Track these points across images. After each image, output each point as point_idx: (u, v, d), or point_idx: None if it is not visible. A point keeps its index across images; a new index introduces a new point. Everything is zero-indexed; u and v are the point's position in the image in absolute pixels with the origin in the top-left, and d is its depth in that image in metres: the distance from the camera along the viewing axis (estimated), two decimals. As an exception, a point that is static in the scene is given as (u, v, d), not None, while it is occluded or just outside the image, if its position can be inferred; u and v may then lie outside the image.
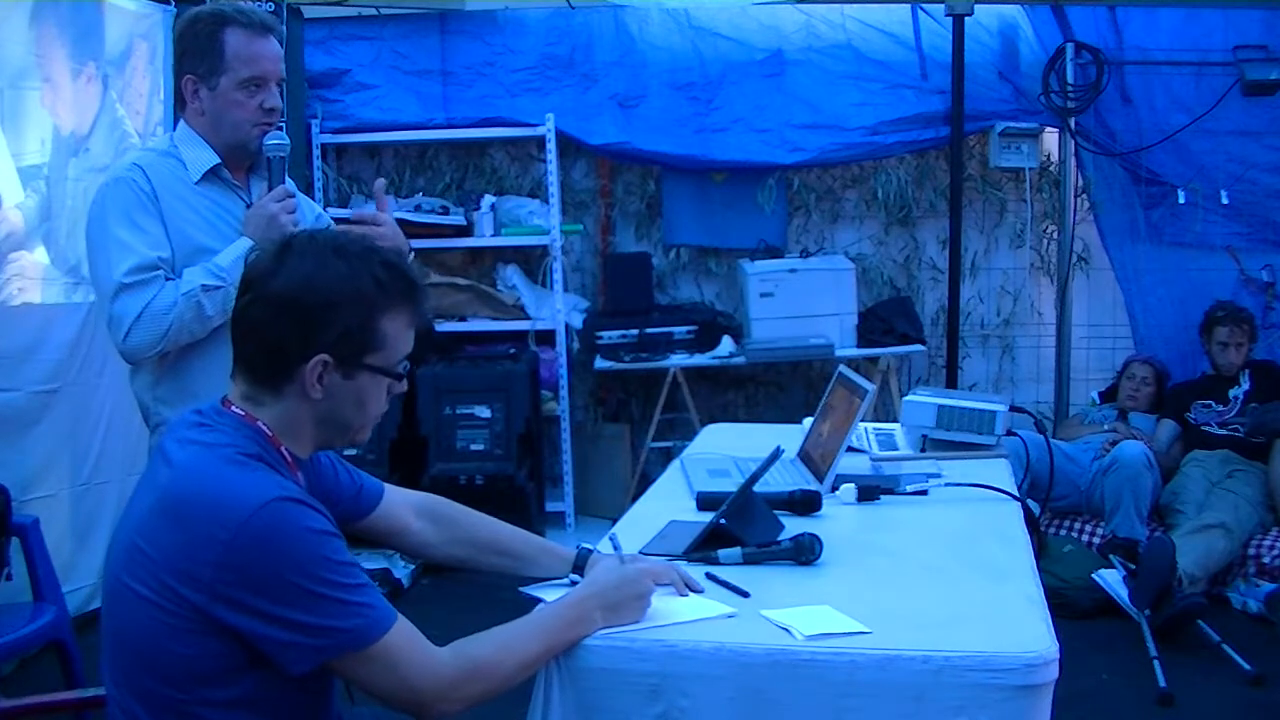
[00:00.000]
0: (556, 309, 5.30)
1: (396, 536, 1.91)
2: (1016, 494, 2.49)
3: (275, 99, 2.36)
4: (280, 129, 2.38)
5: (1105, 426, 4.97)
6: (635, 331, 5.25)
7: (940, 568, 2.00)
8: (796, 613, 1.69)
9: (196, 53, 2.33)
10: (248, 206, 2.39)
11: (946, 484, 2.54)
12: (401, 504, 1.94)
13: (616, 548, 1.94)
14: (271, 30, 2.37)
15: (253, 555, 1.44)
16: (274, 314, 1.56)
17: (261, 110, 2.35)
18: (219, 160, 2.36)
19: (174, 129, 2.45)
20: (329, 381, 1.58)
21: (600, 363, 5.26)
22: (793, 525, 2.11)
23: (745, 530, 2.01)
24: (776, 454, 2.25)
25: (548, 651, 1.60)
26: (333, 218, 2.46)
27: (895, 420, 3.08)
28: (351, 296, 1.56)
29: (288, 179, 2.40)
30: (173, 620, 1.46)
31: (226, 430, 1.57)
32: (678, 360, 5.20)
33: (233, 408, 1.61)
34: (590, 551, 1.95)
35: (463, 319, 5.38)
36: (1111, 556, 4.23)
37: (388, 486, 1.93)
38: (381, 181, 2.62)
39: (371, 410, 1.65)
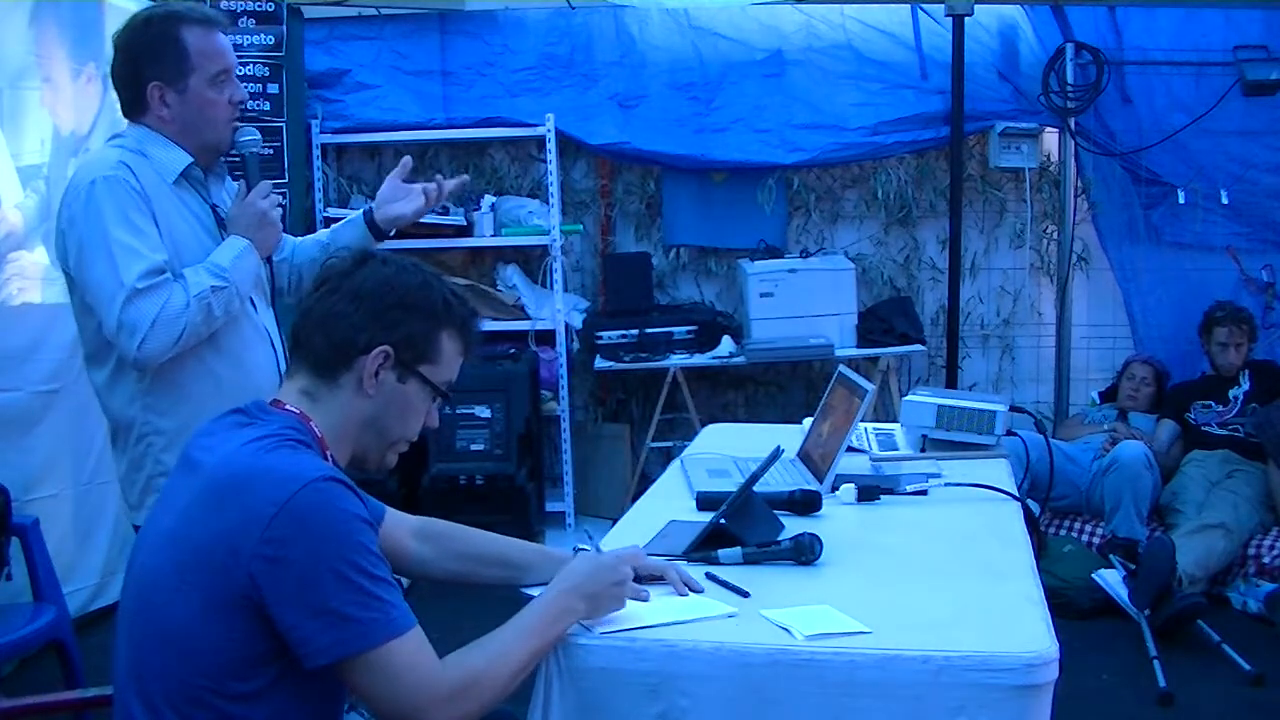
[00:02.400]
0: (556, 309, 5.30)
1: (395, 558, 1.92)
2: (1016, 494, 2.49)
3: (242, 91, 2.34)
4: (273, 121, 2.36)
5: (1105, 426, 4.97)
6: (635, 331, 5.24)
7: (940, 568, 2.00)
8: (796, 613, 1.69)
9: (158, 58, 2.24)
10: (211, 208, 2.35)
11: (946, 484, 2.54)
12: (401, 526, 1.96)
13: (591, 538, 1.95)
14: (222, 26, 2.33)
15: (294, 530, 1.47)
16: (349, 304, 1.66)
17: (232, 105, 2.31)
18: (192, 160, 2.30)
19: (123, 133, 2.34)
20: (384, 378, 1.68)
21: (600, 363, 5.26)
22: (793, 525, 2.11)
23: (745, 530, 2.02)
24: (776, 454, 2.25)
25: (538, 653, 1.61)
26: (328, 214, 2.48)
27: (895, 420, 3.08)
28: (423, 305, 1.69)
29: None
30: (208, 599, 1.49)
31: (274, 423, 1.63)
32: (678, 360, 5.20)
33: (285, 406, 1.67)
34: (587, 551, 1.96)
35: (463, 319, 5.37)
36: (1111, 556, 4.23)
37: (388, 509, 1.95)
38: (408, 159, 2.63)
39: (411, 426, 1.74)
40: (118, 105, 2.34)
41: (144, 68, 2.26)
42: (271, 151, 2.43)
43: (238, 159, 2.41)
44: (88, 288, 2.21)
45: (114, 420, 2.32)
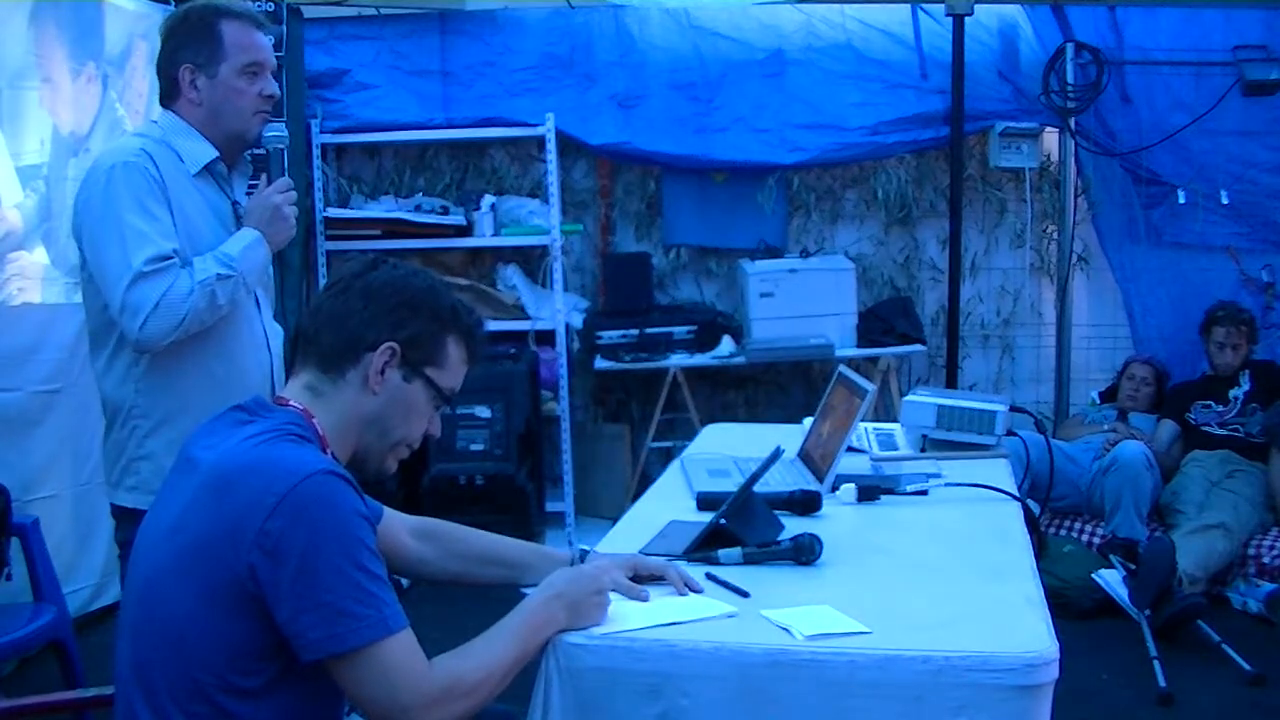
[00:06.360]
0: (556, 309, 5.30)
1: (393, 557, 1.93)
2: (1016, 494, 2.49)
3: (274, 86, 2.39)
4: (281, 120, 2.40)
5: (1105, 426, 4.97)
6: (635, 331, 5.24)
7: (940, 568, 2.00)
8: (796, 613, 1.69)
9: (194, 42, 2.33)
10: (233, 204, 2.40)
11: (946, 484, 2.54)
12: (399, 525, 1.96)
13: (571, 544, 1.96)
14: (262, 25, 2.40)
15: (294, 522, 1.48)
16: (361, 301, 1.69)
17: (261, 98, 2.36)
18: (217, 154, 2.36)
19: (155, 121, 2.43)
20: (390, 377, 1.69)
21: (600, 363, 5.26)
22: (793, 525, 2.11)
23: (745, 530, 2.01)
24: (776, 454, 2.25)
25: (521, 660, 1.61)
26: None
27: (895, 420, 3.08)
28: (432, 307, 1.72)
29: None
30: (209, 592, 1.50)
31: (275, 419, 1.64)
32: (678, 360, 5.20)
33: (289, 402, 1.68)
34: (587, 551, 1.96)
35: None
36: (1111, 556, 4.23)
37: (386, 509, 1.95)
38: None
39: (414, 428, 1.74)
40: (118, 105, 2.38)
41: (179, 51, 2.34)
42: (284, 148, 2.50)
43: (262, 153, 2.45)
44: (97, 268, 2.27)
45: (107, 403, 2.37)
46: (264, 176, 2.43)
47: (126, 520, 2.32)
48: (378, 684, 1.49)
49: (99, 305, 2.30)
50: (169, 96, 2.38)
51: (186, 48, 2.33)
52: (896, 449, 2.92)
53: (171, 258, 2.23)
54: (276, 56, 2.45)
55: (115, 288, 2.21)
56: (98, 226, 2.25)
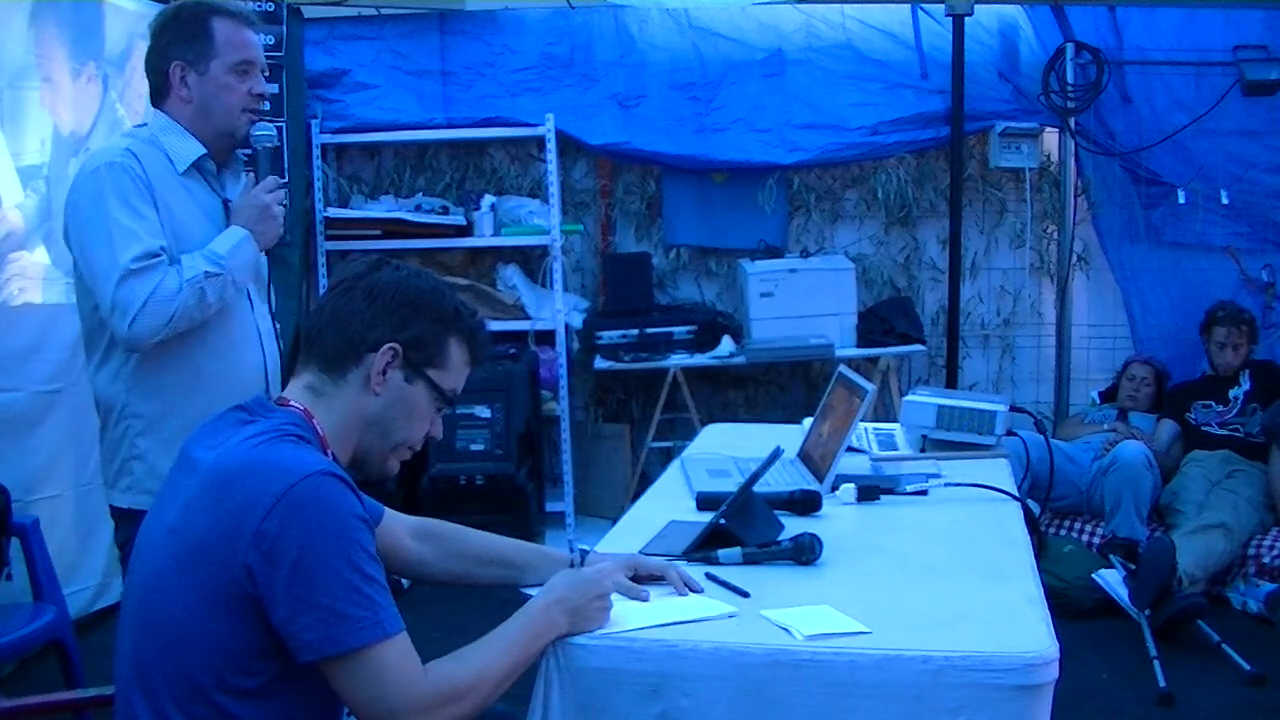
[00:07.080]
0: (556, 309, 5.30)
1: (394, 557, 1.92)
2: (1016, 494, 2.49)
3: (263, 85, 2.40)
4: (272, 122, 2.41)
5: (1105, 426, 4.97)
6: (635, 331, 5.24)
7: (940, 568, 2.00)
8: (796, 613, 1.69)
9: (185, 39, 2.33)
10: (224, 202, 2.41)
11: (946, 484, 2.54)
12: (399, 526, 1.96)
13: (573, 549, 1.96)
14: (253, 24, 2.41)
15: (290, 522, 1.48)
16: (363, 301, 1.69)
17: (251, 95, 2.37)
18: (205, 151, 2.36)
19: (144, 122, 2.44)
20: (391, 377, 1.69)
21: (600, 363, 5.26)
22: (793, 525, 2.11)
23: (745, 530, 2.02)
24: (776, 454, 2.25)
25: (519, 667, 1.61)
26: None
27: (895, 420, 3.08)
28: (435, 308, 1.72)
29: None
30: (207, 592, 1.50)
31: (275, 419, 1.64)
32: (678, 360, 5.20)
33: (290, 403, 1.68)
34: (587, 552, 1.96)
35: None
36: (1111, 556, 4.23)
37: (386, 509, 1.95)
38: None
39: (415, 429, 1.74)
40: (118, 105, 2.38)
41: (170, 47, 2.35)
42: (278, 145, 2.51)
43: (251, 153, 2.46)
44: (86, 267, 2.28)
45: (99, 402, 2.38)
46: (251, 176, 2.44)
47: (125, 521, 2.33)
48: (370, 687, 1.49)
49: (90, 306, 2.31)
50: (159, 94, 2.38)
51: (177, 44, 2.34)
52: (896, 449, 2.92)
53: (159, 255, 2.24)
54: (276, 56, 2.46)
55: (104, 286, 2.22)
56: (86, 227, 2.26)
